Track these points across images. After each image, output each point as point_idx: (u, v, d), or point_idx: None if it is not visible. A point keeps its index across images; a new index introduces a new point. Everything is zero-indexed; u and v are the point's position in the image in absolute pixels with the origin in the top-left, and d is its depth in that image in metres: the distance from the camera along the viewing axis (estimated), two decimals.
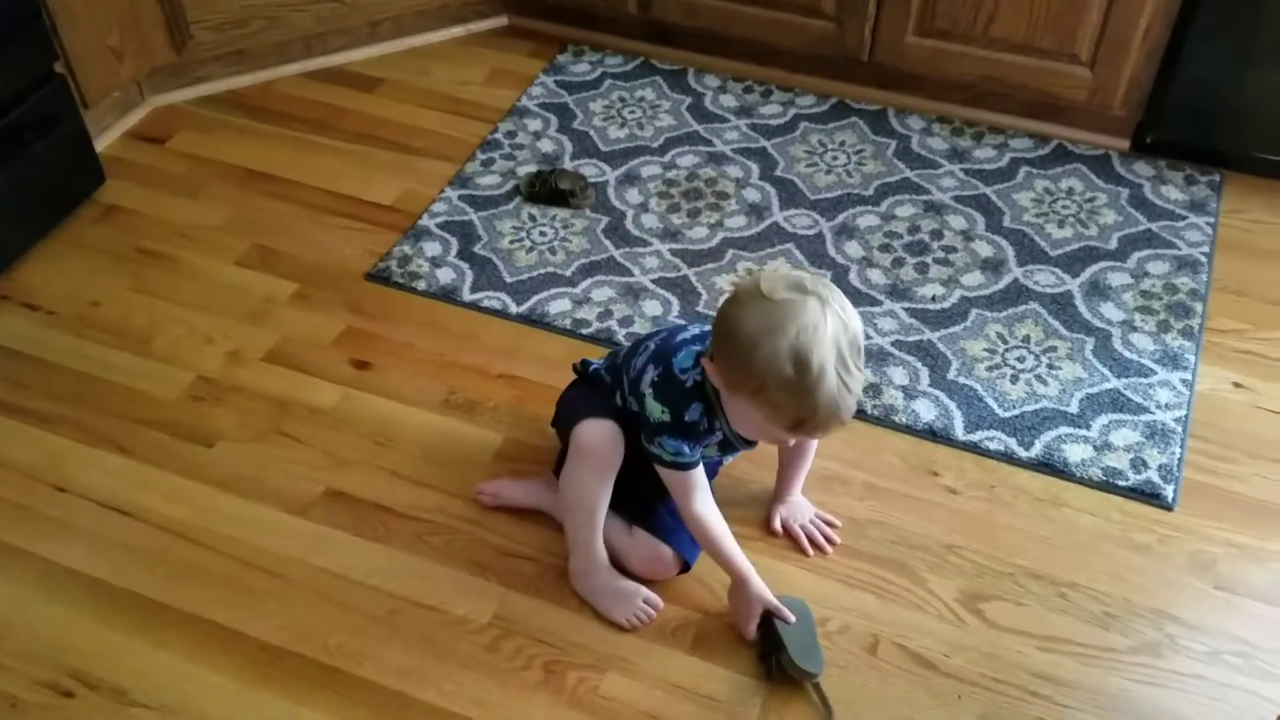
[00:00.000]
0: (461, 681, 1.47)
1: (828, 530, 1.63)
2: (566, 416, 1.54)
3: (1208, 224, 2.13)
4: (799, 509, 1.65)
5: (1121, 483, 1.70)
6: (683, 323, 1.72)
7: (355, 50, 2.54)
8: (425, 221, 2.14)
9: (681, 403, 1.39)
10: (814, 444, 1.63)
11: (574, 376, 1.62)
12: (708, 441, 1.45)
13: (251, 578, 1.59)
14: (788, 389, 1.25)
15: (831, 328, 1.25)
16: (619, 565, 1.56)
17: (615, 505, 1.54)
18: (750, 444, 1.49)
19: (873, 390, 1.83)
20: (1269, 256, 2.09)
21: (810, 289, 1.27)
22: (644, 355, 1.45)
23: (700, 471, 1.45)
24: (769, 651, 1.47)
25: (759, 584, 1.47)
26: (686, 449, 1.42)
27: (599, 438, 1.46)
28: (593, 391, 1.54)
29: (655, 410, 1.40)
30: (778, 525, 1.64)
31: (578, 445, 1.48)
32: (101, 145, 2.28)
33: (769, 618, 1.47)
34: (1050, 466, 1.73)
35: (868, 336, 1.92)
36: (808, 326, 1.24)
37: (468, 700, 1.46)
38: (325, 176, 2.24)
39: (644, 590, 1.54)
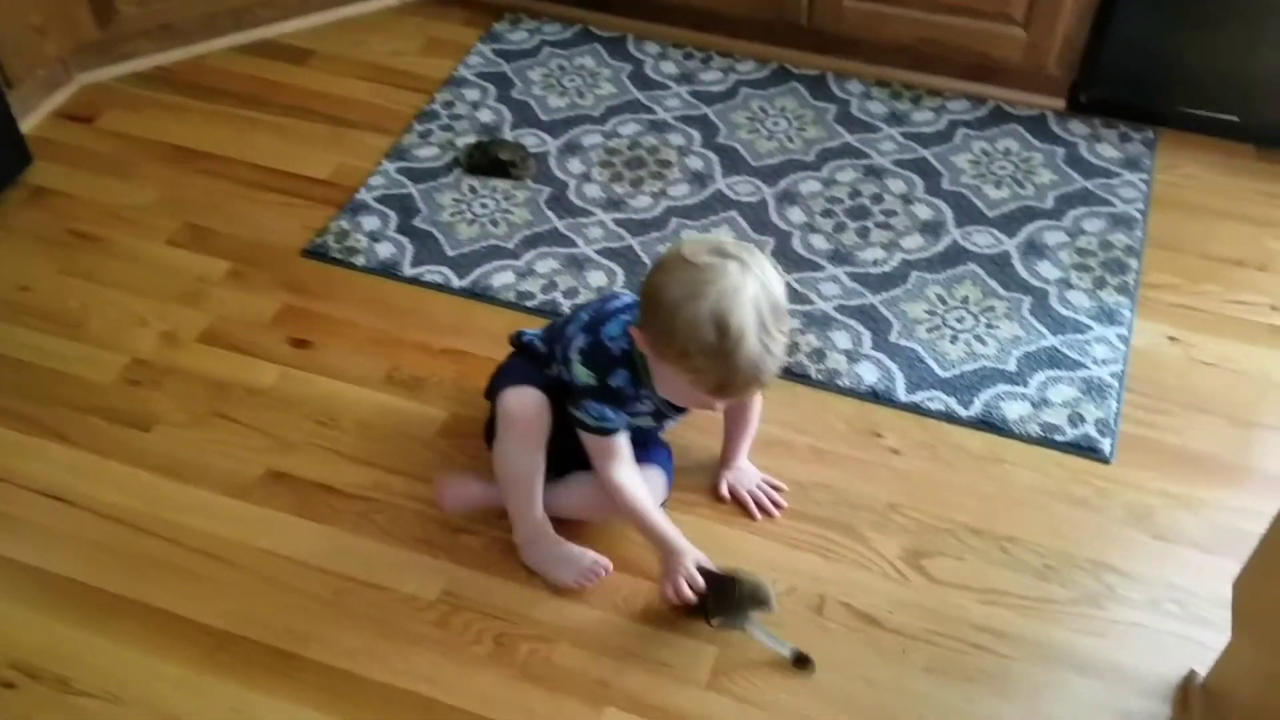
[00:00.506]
0: (412, 659, 1.47)
1: (774, 495, 1.64)
2: (496, 387, 1.54)
3: (1142, 181, 2.16)
4: (745, 474, 1.66)
5: (1059, 438, 1.73)
6: (618, 292, 1.72)
7: (286, 22, 2.49)
8: (363, 195, 2.11)
9: (608, 369, 1.41)
10: (756, 410, 1.64)
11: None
12: (635, 409, 1.46)
13: (195, 563, 1.57)
14: (709, 353, 1.26)
15: (751, 291, 1.26)
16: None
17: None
18: (682, 411, 1.49)
19: (816, 355, 1.84)
20: (1202, 211, 2.12)
21: (731, 253, 1.28)
22: (576, 324, 1.46)
23: (624, 439, 1.46)
24: (723, 605, 1.46)
25: (685, 545, 1.47)
26: (610, 414, 1.43)
27: (523, 405, 1.47)
28: (524, 362, 1.55)
29: (582, 374, 1.41)
30: (725, 491, 1.65)
31: (503, 413, 1.48)
32: (27, 126, 2.22)
33: (709, 578, 1.46)
34: (989, 424, 1.75)
35: (810, 302, 1.93)
36: (728, 290, 1.25)
37: (419, 677, 1.45)
38: (258, 152, 2.20)
39: (590, 553, 1.54)
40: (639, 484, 1.48)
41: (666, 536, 1.48)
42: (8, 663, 1.46)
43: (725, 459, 1.66)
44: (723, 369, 1.28)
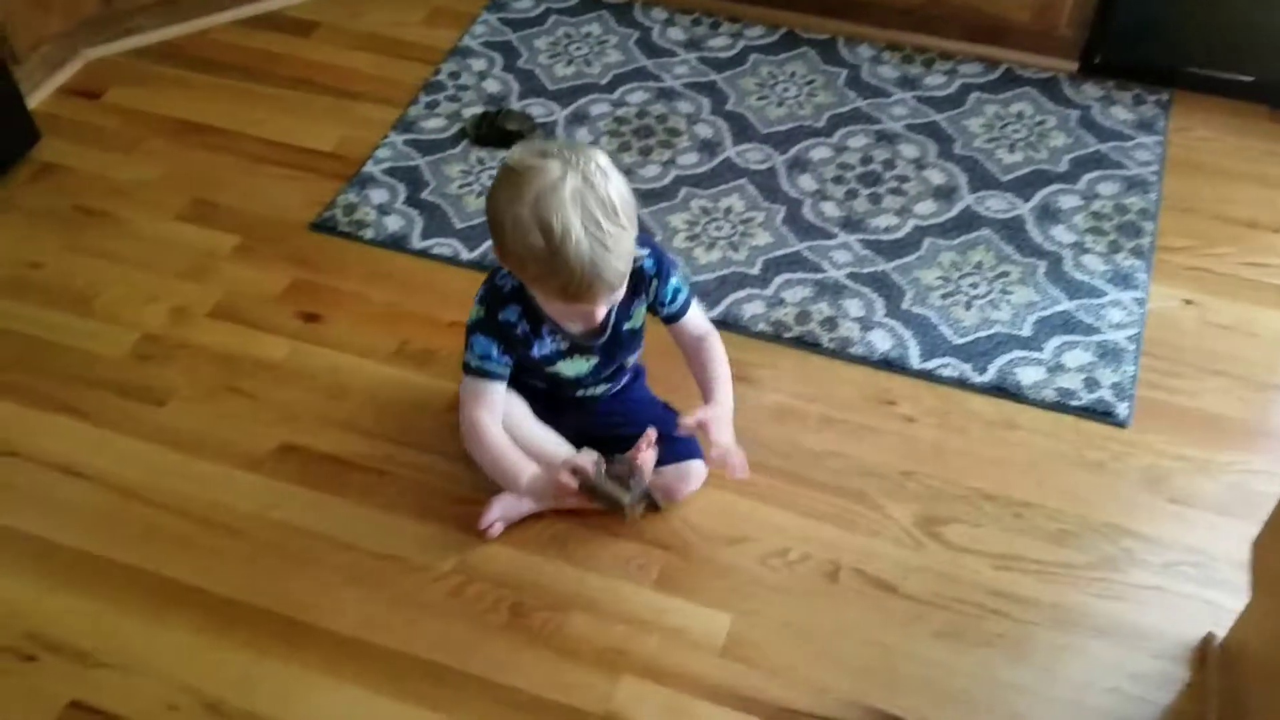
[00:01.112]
0: (426, 628, 1.47)
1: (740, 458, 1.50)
2: None
3: (1157, 143, 2.14)
4: (725, 425, 1.47)
5: (1074, 403, 1.72)
6: None
7: None
8: (370, 168, 2.10)
9: (500, 304, 1.40)
10: (714, 347, 1.52)
11: None
12: (546, 349, 1.44)
13: (209, 535, 1.57)
14: (539, 257, 1.23)
15: (571, 186, 1.22)
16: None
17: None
18: (606, 335, 1.43)
19: (828, 323, 1.83)
20: (1217, 173, 2.10)
21: (554, 153, 1.24)
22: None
23: (499, 390, 1.44)
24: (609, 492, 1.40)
25: (532, 481, 1.42)
26: (495, 353, 1.41)
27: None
28: None
29: (475, 311, 1.42)
30: (692, 420, 1.43)
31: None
32: (34, 102, 2.21)
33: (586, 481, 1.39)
34: (1004, 390, 1.74)
35: (822, 270, 1.91)
36: (545, 189, 1.22)
37: (433, 646, 1.46)
38: (263, 126, 2.19)
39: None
40: (500, 434, 1.44)
41: (517, 473, 1.42)
42: (27, 636, 1.47)
43: (705, 397, 1.50)
44: (558, 271, 1.24)
